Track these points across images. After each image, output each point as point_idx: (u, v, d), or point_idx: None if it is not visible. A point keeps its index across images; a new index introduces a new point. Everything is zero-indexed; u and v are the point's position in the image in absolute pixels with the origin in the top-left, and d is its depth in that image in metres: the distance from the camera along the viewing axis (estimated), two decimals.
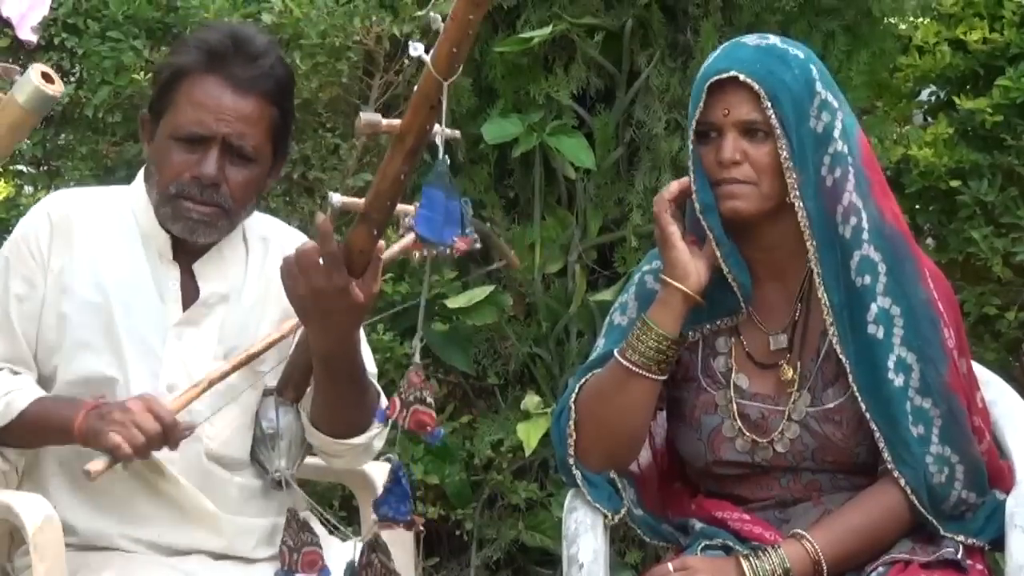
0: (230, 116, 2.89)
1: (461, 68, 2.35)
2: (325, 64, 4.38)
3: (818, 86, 2.83)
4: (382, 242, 2.59)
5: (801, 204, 2.80)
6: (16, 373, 2.94)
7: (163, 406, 2.80)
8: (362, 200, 2.51)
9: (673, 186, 2.86)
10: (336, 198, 2.51)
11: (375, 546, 2.56)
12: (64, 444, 2.88)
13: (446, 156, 2.36)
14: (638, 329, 2.84)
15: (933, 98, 5.17)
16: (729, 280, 2.85)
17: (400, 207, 2.50)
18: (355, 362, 2.82)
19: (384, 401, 2.96)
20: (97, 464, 2.76)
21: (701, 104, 2.81)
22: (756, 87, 2.78)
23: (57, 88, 2.87)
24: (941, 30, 4.98)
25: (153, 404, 2.79)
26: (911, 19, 5.23)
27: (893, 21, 5.06)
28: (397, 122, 2.42)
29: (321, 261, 2.58)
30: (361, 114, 2.43)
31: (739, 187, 2.81)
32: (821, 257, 2.83)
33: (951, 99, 4.90)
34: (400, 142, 2.43)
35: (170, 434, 2.79)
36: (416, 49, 2.37)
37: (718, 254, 2.82)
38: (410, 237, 2.64)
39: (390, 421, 2.92)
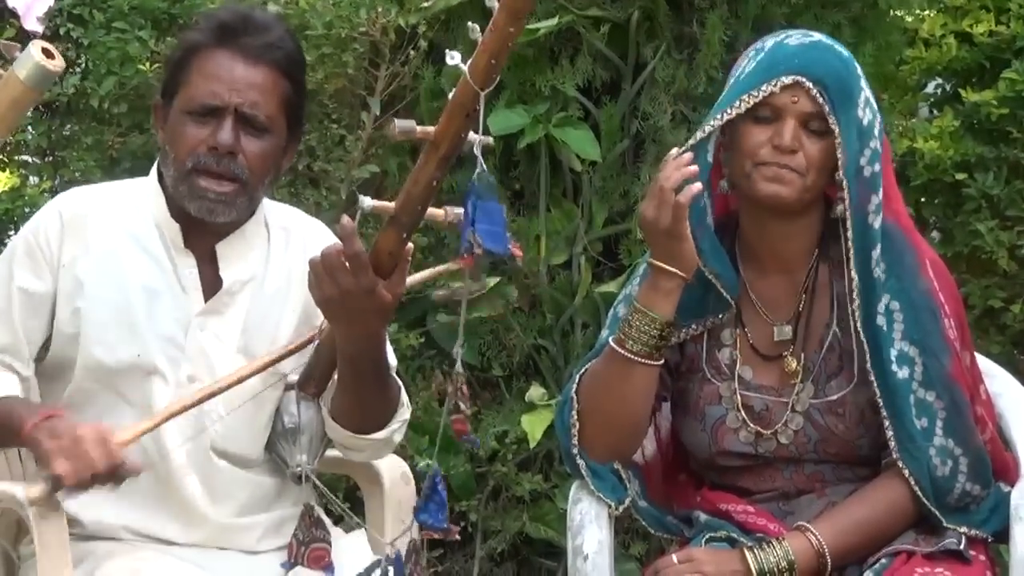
0: (242, 86, 2.88)
1: (498, 78, 2.35)
2: (331, 55, 4.38)
3: (862, 82, 2.86)
4: (411, 244, 2.59)
5: (846, 184, 2.81)
6: (7, 366, 2.92)
7: (114, 444, 2.72)
8: (392, 203, 2.51)
9: (694, 188, 2.76)
10: (367, 201, 2.52)
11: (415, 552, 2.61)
12: (15, 446, 2.88)
13: (485, 168, 2.37)
14: (634, 317, 2.84)
15: (939, 91, 5.17)
16: (715, 282, 2.86)
17: (430, 211, 2.52)
18: (381, 360, 2.82)
19: (405, 397, 2.96)
20: (35, 491, 2.71)
21: (761, 90, 2.80)
22: (807, 81, 2.80)
23: (58, 64, 2.86)
24: (947, 22, 4.98)
25: (107, 439, 2.72)
26: (917, 11, 5.23)
27: (899, 13, 5.05)
28: (431, 129, 2.43)
29: (347, 263, 2.59)
30: (396, 121, 2.44)
31: (788, 173, 2.81)
32: (854, 239, 2.84)
33: (957, 92, 4.91)
34: (434, 148, 2.43)
35: (115, 474, 2.73)
36: (453, 58, 2.37)
37: (701, 259, 2.83)
38: (447, 265, 2.69)
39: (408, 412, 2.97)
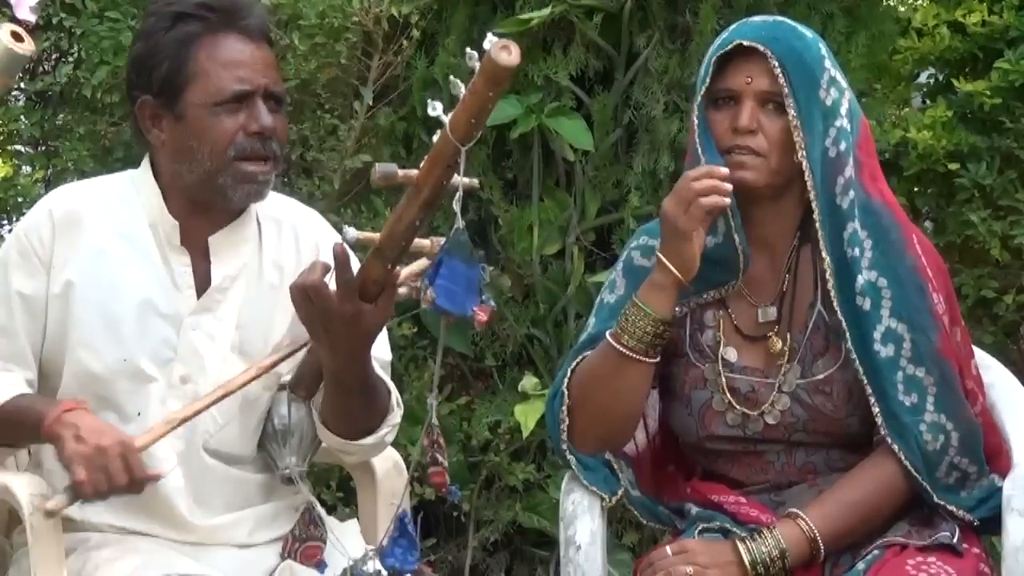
0: (261, 66, 2.88)
1: (479, 135, 2.34)
2: (324, 45, 4.38)
3: (827, 63, 2.86)
4: (399, 269, 2.60)
5: (808, 166, 2.81)
6: (7, 371, 2.89)
7: (136, 456, 2.72)
8: (377, 234, 2.52)
9: (722, 202, 2.76)
10: (351, 233, 2.53)
11: None
12: (34, 443, 2.86)
13: (463, 225, 2.35)
14: (631, 312, 2.84)
15: (932, 80, 5.17)
16: (739, 251, 2.86)
17: (416, 242, 2.52)
18: (366, 375, 2.80)
19: (396, 397, 2.94)
20: (58, 502, 2.72)
21: (709, 75, 2.82)
22: (766, 51, 2.80)
23: (27, 47, 2.83)
24: (940, 12, 4.97)
25: (130, 450, 2.72)
26: (910, 1, 5.23)
27: (892, 3, 5.06)
28: (414, 172, 2.44)
29: (334, 287, 2.59)
30: (377, 166, 2.44)
31: (749, 158, 2.82)
32: (822, 220, 2.84)
33: (950, 82, 4.90)
34: (416, 192, 2.44)
35: (134, 488, 2.74)
36: (435, 109, 2.36)
37: (732, 225, 2.83)
38: (418, 264, 2.68)
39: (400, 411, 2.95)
